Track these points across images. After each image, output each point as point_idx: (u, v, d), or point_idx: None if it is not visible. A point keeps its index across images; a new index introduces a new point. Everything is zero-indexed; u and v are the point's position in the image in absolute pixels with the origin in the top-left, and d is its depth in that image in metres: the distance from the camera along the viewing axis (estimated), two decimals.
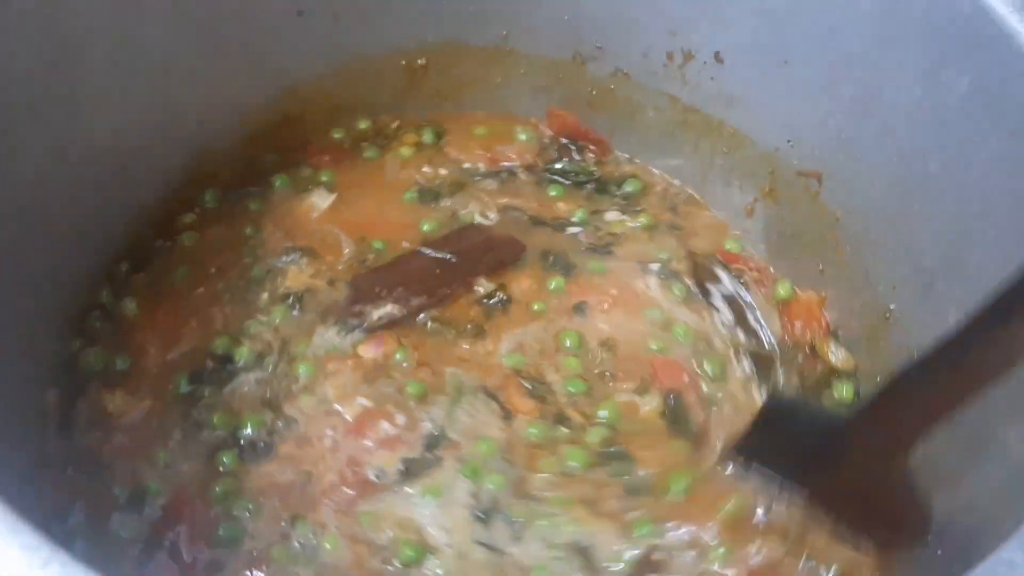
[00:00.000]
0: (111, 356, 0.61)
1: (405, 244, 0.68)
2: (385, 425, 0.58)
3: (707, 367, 0.64)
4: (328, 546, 0.53)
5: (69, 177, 0.57)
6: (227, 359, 0.61)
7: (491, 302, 0.66)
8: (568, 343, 0.64)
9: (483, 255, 0.68)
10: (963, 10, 0.53)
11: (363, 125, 0.75)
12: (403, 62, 0.73)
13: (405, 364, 0.62)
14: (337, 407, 0.59)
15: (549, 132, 0.77)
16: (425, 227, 0.70)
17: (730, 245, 0.72)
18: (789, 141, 0.68)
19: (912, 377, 0.44)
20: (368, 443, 0.58)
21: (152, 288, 0.64)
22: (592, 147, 0.76)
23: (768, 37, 0.65)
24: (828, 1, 0.60)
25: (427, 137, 0.75)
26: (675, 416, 0.62)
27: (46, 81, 0.54)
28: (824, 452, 0.50)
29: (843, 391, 0.64)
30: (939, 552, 0.47)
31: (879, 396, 0.47)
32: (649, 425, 0.61)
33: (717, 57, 0.69)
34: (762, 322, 0.67)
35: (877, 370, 0.64)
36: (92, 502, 0.54)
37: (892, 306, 0.62)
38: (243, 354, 0.61)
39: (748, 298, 0.69)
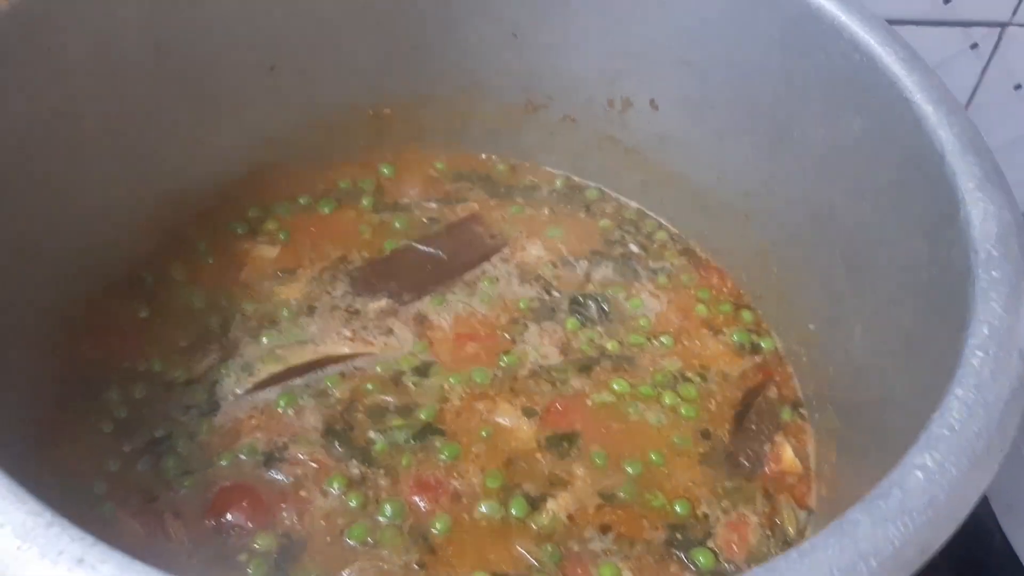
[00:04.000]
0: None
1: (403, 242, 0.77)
2: None
3: None
4: None
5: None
6: None
7: None
8: None
9: (468, 251, 0.77)
10: (855, 61, 0.61)
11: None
12: (370, 111, 0.80)
13: None
14: None
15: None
16: (396, 224, 0.78)
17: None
18: (718, 177, 0.75)
19: None
20: None
21: None
22: None
23: (693, 85, 0.72)
24: (741, 55, 0.68)
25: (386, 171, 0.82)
26: None
27: (47, 133, 0.61)
28: None
29: None
30: None
31: None
32: None
33: (652, 104, 0.76)
34: None
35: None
36: None
37: (811, 326, 0.69)
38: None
39: None
